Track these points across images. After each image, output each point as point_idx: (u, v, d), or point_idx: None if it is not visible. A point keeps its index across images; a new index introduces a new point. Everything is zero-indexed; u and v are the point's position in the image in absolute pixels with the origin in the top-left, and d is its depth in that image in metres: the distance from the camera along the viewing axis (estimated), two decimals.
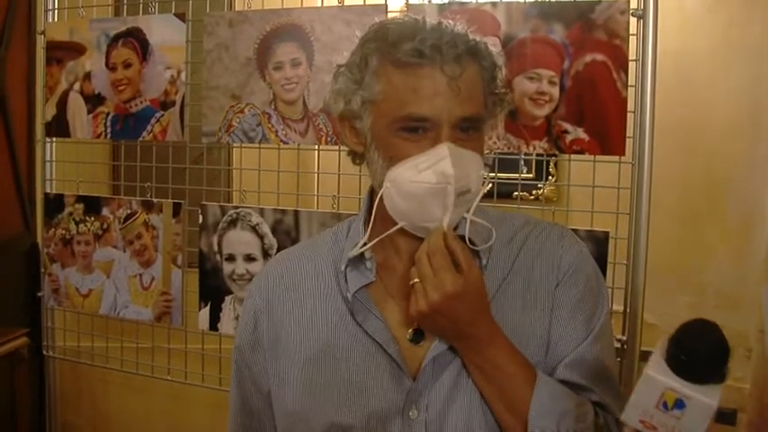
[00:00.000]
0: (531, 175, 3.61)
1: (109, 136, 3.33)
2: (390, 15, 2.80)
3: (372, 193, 1.56)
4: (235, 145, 3.15)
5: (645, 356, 2.84)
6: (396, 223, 1.46)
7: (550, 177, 3.76)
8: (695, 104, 3.50)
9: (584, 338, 1.48)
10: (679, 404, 1.11)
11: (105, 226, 3.36)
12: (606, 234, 2.59)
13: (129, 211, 3.31)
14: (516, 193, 2.92)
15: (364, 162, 1.53)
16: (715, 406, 1.11)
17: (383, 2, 2.83)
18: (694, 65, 3.51)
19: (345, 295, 1.53)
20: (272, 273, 1.65)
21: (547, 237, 1.55)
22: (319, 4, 2.96)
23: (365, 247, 1.50)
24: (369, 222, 1.55)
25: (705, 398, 1.11)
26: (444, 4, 2.75)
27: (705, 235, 3.59)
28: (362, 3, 2.88)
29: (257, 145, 3.02)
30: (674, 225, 3.48)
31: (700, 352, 1.13)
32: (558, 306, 1.49)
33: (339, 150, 2.90)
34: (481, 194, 1.45)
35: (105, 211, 3.36)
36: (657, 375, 1.13)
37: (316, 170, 3.22)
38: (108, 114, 3.30)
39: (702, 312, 3.69)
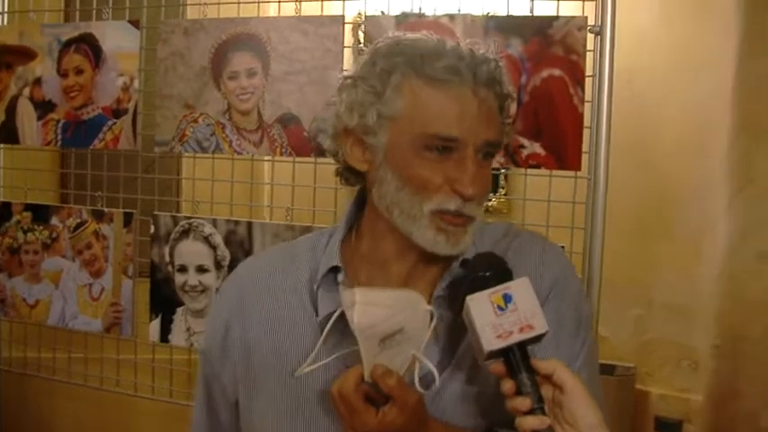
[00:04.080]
0: None
1: (59, 143, 3.26)
2: (348, 27, 2.79)
3: (361, 204, 1.52)
4: (187, 155, 3.11)
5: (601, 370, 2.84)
6: (394, 243, 1.43)
7: (501, 190, 3.78)
8: (648, 120, 3.52)
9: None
10: (507, 298, 1.24)
11: (54, 235, 3.29)
12: (561, 248, 2.58)
13: (78, 221, 3.24)
14: None
15: (358, 183, 1.49)
16: (527, 279, 1.27)
17: (341, 13, 2.82)
18: (647, 81, 3.53)
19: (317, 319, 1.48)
20: (247, 277, 1.59)
21: (528, 250, 1.49)
22: (276, 14, 2.93)
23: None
24: (350, 237, 1.52)
25: (517, 279, 1.27)
26: (401, 15, 2.74)
27: (655, 249, 3.60)
28: (320, 13, 2.86)
29: (210, 155, 2.98)
30: (625, 239, 3.47)
31: (484, 263, 1.32)
32: None
33: (294, 162, 2.88)
34: (429, 334, 1.36)
35: (54, 220, 3.28)
36: (475, 295, 1.26)
37: (268, 181, 3.18)
38: (58, 121, 3.23)
39: (651, 325, 3.74)
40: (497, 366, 1.25)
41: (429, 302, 1.41)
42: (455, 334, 1.41)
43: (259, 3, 2.93)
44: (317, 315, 1.48)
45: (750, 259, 2.75)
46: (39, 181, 3.42)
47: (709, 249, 3.39)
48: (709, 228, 3.40)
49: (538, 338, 1.25)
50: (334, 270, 1.48)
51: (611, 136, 2.56)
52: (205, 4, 2.99)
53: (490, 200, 3.69)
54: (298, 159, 2.86)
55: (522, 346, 1.23)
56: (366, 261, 1.49)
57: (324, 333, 1.40)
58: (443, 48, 1.37)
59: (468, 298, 1.26)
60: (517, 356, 1.23)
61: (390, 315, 1.33)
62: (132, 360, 3.21)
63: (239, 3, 2.94)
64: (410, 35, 1.44)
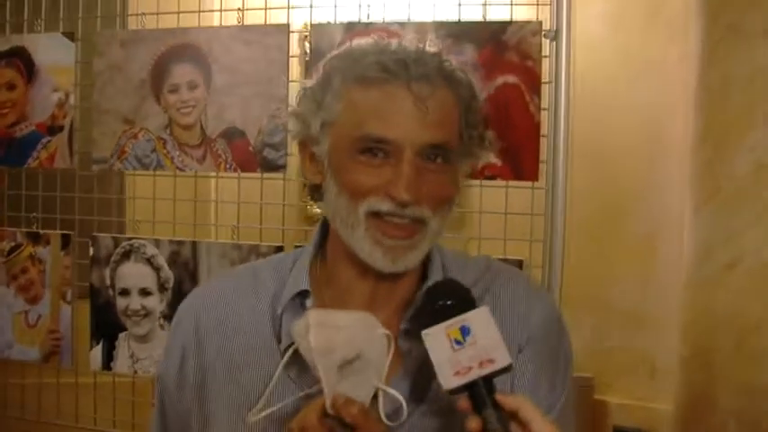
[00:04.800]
0: None
1: None
2: (293, 35, 2.69)
3: (325, 225, 1.41)
4: (129, 172, 2.98)
5: None
6: (352, 264, 1.33)
7: None
8: (598, 125, 3.49)
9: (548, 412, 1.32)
10: (465, 330, 1.16)
11: None
12: (519, 263, 2.49)
13: (13, 244, 3.09)
14: None
15: (322, 200, 1.38)
16: (487, 309, 1.19)
17: (285, 21, 2.71)
18: (597, 87, 3.50)
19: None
20: (204, 301, 1.47)
21: (512, 290, 1.39)
22: (218, 24, 2.81)
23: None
24: (317, 260, 1.42)
25: (475, 309, 1.19)
26: (350, 23, 2.64)
27: (609, 255, 3.57)
28: (264, 23, 2.76)
29: (152, 172, 2.86)
30: (578, 246, 3.43)
31: (443, 291, 1.24)
32: (520, 374, 1.33)
33: (239, 178, 2.76)
34: (388, 360, 1.25)
35: None
36: (430, 329, 1.19)
37: (212, 198, 3.06)
38: None
39: (607, 332, 3.71)
40: (463, 402, 1.16)
41: (396, 333, 1.31)
42: (427, 367, 1.29)
43: (200, 12, 2.81)
44: (279, 342, 1.37)
45: (718, 270, 2.69)
46: None
47: (665, 255, 3.36)
48: (665, 233, 3.37)
49: (502, 372, 1.16)
50: (302, 295, 1.38)
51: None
52: (143, 14, 2.87)
53: None
54: (243, 175, 2.74)
55: (487, 379, 1.15)
56: (331, 284, 1.40)
57: (281, 365, 1.30)
58: (377, 46, 1.30)
59: (424, 333, 1.19)
60: (482, 391, 1.15)
61: (348, 338, 1.23)
62: (73, 389, 3.05)
63: (179, 12, 2.82)
64: (361, 41, 1.37)
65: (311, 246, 1.43)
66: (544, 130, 2.50)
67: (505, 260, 2.48)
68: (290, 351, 1.29)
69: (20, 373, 3.18)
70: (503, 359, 1.15)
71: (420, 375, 1.32)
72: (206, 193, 3.08)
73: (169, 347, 1.49)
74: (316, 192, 1.39)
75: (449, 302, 1.20)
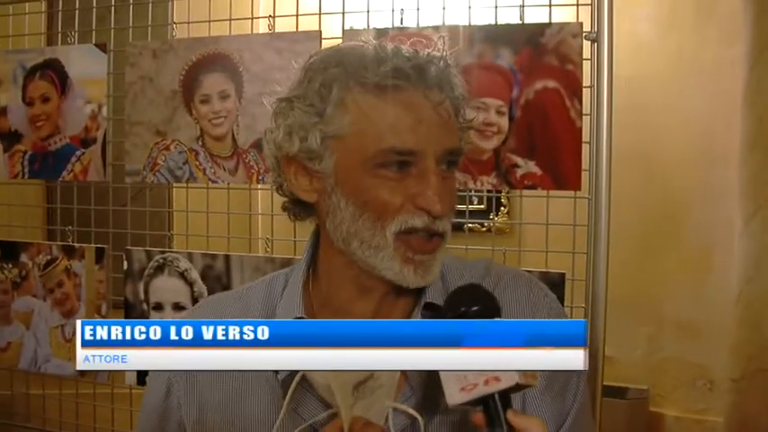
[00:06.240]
0: (482, 207, 3.47)
1: (26, 176, 3.09)
2: (326, 43, 2.61)
3: (317, 240, 1.34)
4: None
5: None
6: (352, 283, 1.28)
7: (502, 208, 3.64)
8: (648, 131, 3.43)
9: (560, 423, 1.27)
10: None
11: (24, 273, 3.10)
12: (562, 276, 2.39)
13: (49, 257, 3.06)
14: (469, 225, 2.73)
15: (309, 217, 1.32)
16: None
17: (317, 28, 2.64)
18: (647, 91, 3.43)
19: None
20: None
21: (512, 293, 1.32)
22: (249, 32, 2.75)
23: None
24: (308, 281, 1.34)
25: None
26: (384, 29, 2.56)
27: (663, 264, 3.53)
28: (295, 29, 2.69)
29: (184, 185, 2.81)
30: (630, 255, 3.38)
31: (468, 297, 1.15)
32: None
33: (272, 189, 2.69)
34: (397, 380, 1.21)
35: (24, 257, 3.10)
36: None
37: (246, 211, 3.00)
38: (25, 153, 3.07)
39: (662, 343, 3.64)
40: (477, 417, 1.10)
41: None
42: (432, 380, 1.22)
43: (231, 20, 2.75)
44: (276, 373, 1.28)
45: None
46: (6, 216, 3.23)
47: (722, 266, 3.29)
48: (721, 243, 3.31)
49: (509, 391, 1.10)
50: None
51: (612, 150, 2.38)
52: (175, 23, 2.83)
53: (491, 219, 3.56)
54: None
55: (504, 394, 1.09)
56: (326, 306, 1.32)
57: (287, 398, 1.22)
58: (384, 51, 1.22)
59: None
60: (497, 406, 1.09)
61: None
62: (109, 403, 3.02)
63: (210, 21, 2.77)
64: (346, 44, 1.32)
65: (303, 264, 1.35)
66: (586, 136, 2.38)
67: (547, 273, 2.40)
68: (297, 378, 1.22)
69: (57, 387, 3.15)
70: (508, 378, 1.09)
71: (427, 389, 1.25)
72: (241, 206, 3.03)
73: (152, 380, 1.42)
74: (301, 209, 1.32)
75: (473, 309, 1.13)
